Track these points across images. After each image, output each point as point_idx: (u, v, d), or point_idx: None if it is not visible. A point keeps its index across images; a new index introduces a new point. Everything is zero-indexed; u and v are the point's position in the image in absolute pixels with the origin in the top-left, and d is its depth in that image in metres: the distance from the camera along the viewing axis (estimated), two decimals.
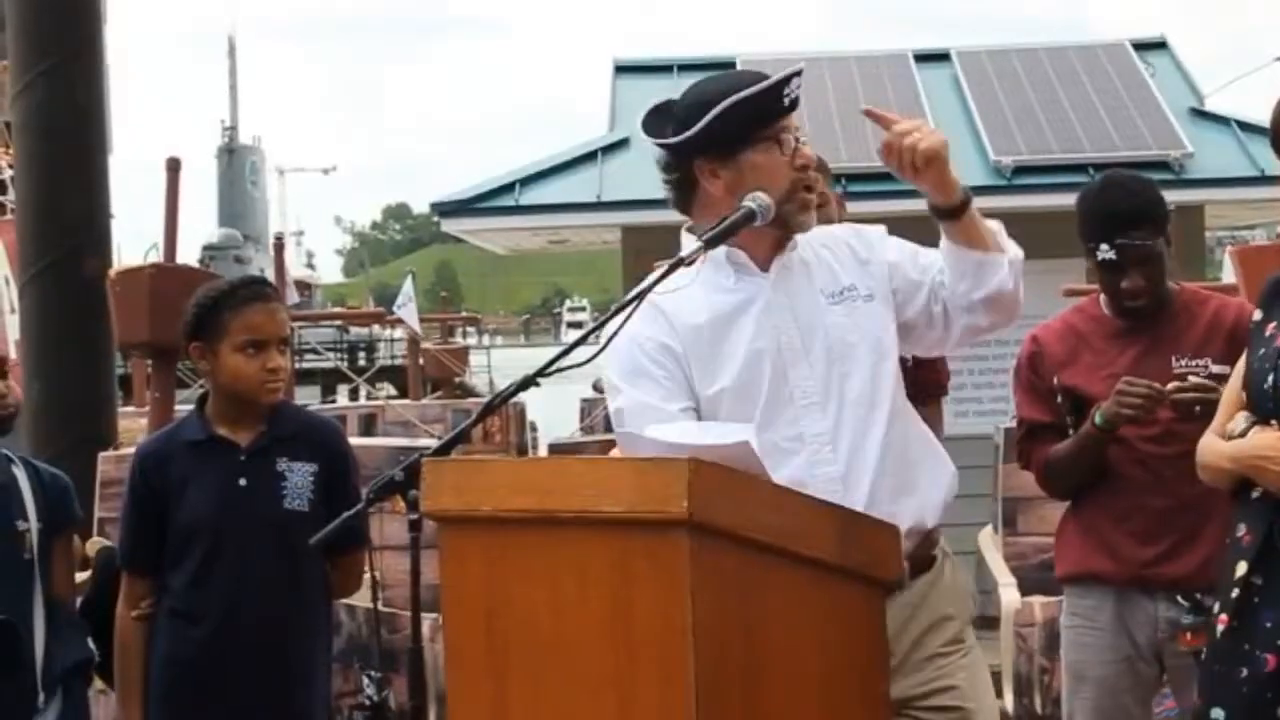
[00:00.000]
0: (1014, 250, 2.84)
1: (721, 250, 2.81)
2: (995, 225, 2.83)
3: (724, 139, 2.79)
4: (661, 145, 2.86)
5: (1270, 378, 2.80)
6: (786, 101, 2.81)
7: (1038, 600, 5.31)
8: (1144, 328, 3.56)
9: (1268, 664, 2.73)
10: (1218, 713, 2.82)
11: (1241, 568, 2.80)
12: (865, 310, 2.85)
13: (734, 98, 2.75)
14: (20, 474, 3.45)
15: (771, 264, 2.87)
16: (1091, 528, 3.58)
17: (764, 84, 2.77)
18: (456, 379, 18.23)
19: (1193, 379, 3.38)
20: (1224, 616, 2.83)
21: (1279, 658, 2.72)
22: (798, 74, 2.81)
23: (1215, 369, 3.41)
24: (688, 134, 2.79)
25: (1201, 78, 10.62)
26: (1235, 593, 2.80)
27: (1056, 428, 3.60)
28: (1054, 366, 3.62)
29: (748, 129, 2.79)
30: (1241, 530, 2.84)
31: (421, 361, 16.19)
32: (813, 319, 2.83)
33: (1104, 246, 3.50)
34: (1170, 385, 3.35)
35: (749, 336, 2.82)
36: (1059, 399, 3.60)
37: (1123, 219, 3.49)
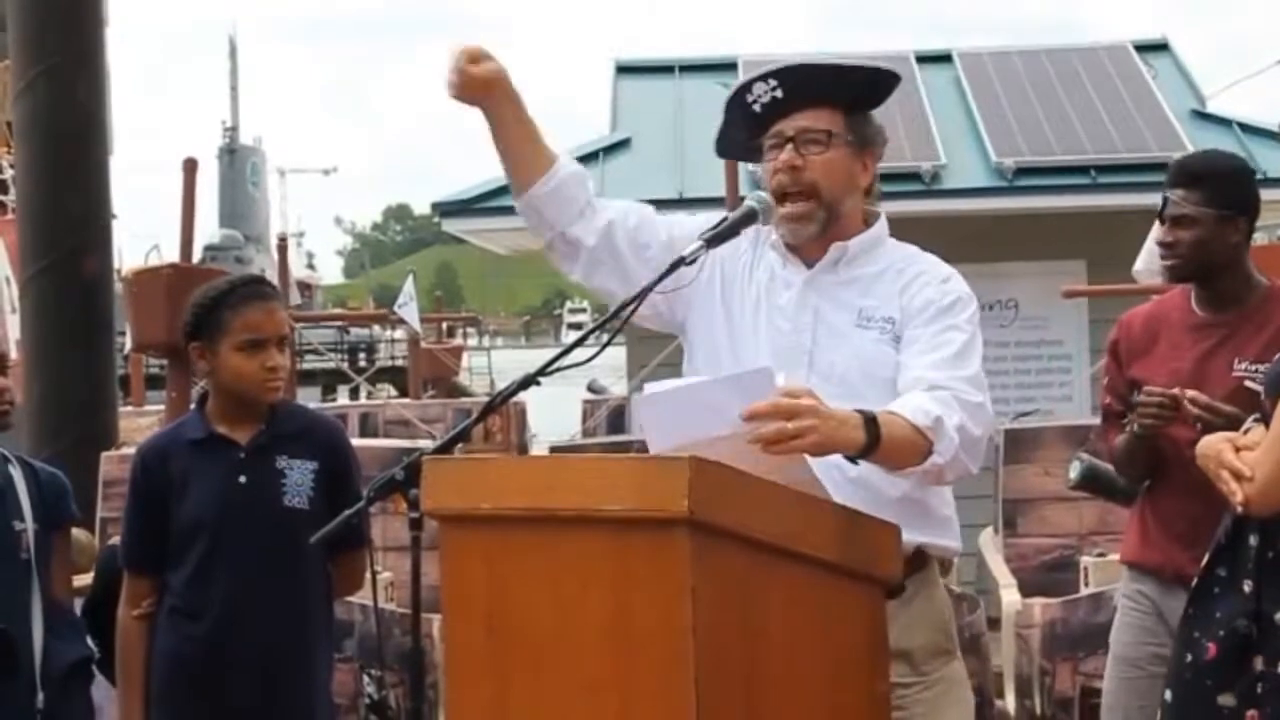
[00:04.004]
0: (946, 439, 2.59)
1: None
2: (923, 417, 2.57)
3: (738, 148, 3.03)
4: None
5: None
6: (758, 108, 2.86)
7: (1038, 602, 5.31)
8: (1219, 325, 3.50)
9: (1209, 651, 2.79)
10: (1168, 695, 2.92)
11: (1206, 558, 2.87)
12: (883, 349, 2.79)
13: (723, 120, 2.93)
14: (16, 474, 3.45)
15: (817, 262, 2.87)
16: (1145, 521, 3.62)
17: (730, 91, 2.85)
18: (454, 377, 18.23)
19: (1248, 385, 3.29)
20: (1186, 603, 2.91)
21: (1219, 646, 2.77)
22: (761, 79, 2.84)
23: None
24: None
25: (1203, 80, 10.62)
26: (1195, 581, 2.88)
27: (1124, 416, 3.61)
28: (1129, 357, 3.62)
29: (751, 136, 2.90)
30: (1224, 523, 2.88)
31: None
32: (833, 330, 2.81)
33: (1162, 198, 3.53)
34: (1189, 393, 3.32)
35: (765, 319, 2.85)
36: (1127, 390, 3.60)
37: (1176, 174, 3.53)
